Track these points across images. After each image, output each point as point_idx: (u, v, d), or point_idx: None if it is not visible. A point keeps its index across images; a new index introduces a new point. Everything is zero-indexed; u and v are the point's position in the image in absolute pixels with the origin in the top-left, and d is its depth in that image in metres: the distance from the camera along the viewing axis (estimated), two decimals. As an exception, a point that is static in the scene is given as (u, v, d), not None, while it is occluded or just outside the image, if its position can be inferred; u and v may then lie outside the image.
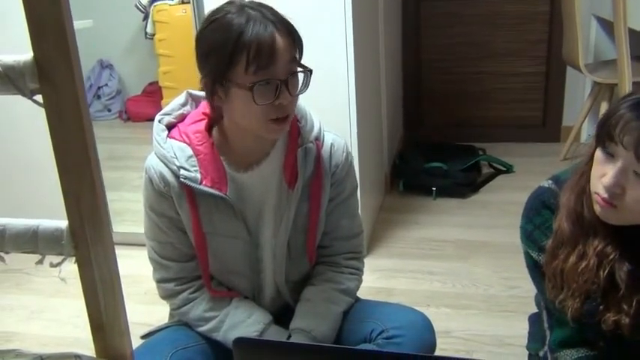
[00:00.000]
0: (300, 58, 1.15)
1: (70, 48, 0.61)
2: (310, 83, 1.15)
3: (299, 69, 1.14)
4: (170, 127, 1.24)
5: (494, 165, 3.22)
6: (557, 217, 1.12)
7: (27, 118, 2.18)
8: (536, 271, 1.21)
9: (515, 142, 3.53)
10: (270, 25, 1.08)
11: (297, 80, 1.15)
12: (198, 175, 1.18)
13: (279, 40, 1.08)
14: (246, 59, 1.07)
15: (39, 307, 2.20)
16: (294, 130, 1.24)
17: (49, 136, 0.64)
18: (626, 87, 2.56)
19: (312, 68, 1.15)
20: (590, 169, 1.06)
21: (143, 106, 4.26)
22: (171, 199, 1.20)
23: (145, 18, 4.07)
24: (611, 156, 1.00)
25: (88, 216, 0.67)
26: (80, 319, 2.02)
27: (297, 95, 1.16)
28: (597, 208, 1.04)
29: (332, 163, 1.28)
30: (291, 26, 1.12)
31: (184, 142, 1.20)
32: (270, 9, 1.12)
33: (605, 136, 1.00)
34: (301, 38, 1.14)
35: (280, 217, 1.24)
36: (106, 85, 4.43)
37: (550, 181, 1.19)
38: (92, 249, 0.68)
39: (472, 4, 3.46)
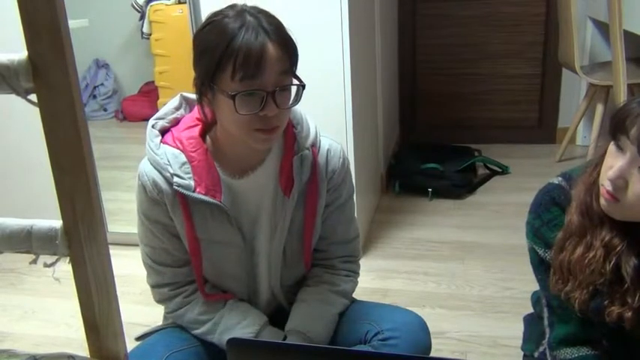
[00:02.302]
0: (295, 70, 1.11)
1: (65, 47, 0.60)
2: (302, 98, 1.12)
3: (294, 81, 1.11)
4: (163, 131, 1.22)
5: (490, 166, 3.22)
6: (568, 210, 1.12)
7: (21, 118, 2.17)
8: (540, 267, 1.20)
9: (511, 143, 3.54)
10: (263, 34, 1.05)
11: (289, 93, 1.11)
12: (192, 183, 1.16)
13: (271, 51, 1.05)
14: (233, 66, 1.04)
15: (33, 307, 2.19)
16: (289, 136, 1.21)
17: (43, 135, 0.64)
18: (621, 89, 2.57)
19: (305, 83, 1.11)
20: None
21: (139, 105, 4.25)
22: (164, 206, 1.19)
23: (142, 18, 4.06)
24: (621, 149, 1.00)
25: (83, 216, 0.66)
26: (74, 319, 2.02)
27: (288, 108, 1.12)
28: (602, 201, 1.04)
29: (328, 169, 1.26)
30: (288, 37, 1.09)
31: (178, 148, 1.18)
32: (270, 17, 1.09)
33: (615, 128, 1.00)
34: (297, 50, 1.11)
35: (276, 224, 1.23)
36: (102, 84, 4.43)
37: (560, 178, 1.18)
38: (86, 249, 0.68)
39: (468, 6, 3.47)
